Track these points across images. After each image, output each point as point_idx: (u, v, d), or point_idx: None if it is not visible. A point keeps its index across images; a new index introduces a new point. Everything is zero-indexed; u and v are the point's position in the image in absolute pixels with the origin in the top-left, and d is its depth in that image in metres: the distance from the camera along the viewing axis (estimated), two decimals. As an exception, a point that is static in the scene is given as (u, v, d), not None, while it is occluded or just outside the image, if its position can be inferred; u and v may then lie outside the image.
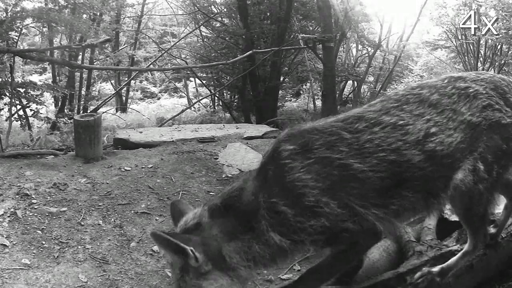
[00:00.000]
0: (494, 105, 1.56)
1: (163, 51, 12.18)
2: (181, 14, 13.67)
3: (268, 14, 10.42)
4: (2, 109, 7.03)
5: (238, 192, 1.50)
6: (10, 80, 6.12)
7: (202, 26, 11.74)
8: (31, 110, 6.96)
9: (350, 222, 1.42)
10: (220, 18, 11.30)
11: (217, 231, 1.46)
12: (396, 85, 14.49)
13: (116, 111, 12.59)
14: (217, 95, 11.92)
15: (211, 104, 13.17)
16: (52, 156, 4.63)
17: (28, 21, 7.34)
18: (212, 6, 11.30)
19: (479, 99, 1.57)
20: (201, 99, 12.79)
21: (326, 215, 1.40)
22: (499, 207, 2.28)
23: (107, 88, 15.50)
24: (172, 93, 17.86)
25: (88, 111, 9.77)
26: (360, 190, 1.43)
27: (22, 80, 7.56)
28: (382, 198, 1.46)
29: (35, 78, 12.04)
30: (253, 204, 1.46)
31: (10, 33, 6.52)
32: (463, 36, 11.21)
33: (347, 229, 1.43)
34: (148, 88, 18.28)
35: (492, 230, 2.00)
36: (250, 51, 8.23)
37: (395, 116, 1.53)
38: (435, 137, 1.50)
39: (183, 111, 10.48)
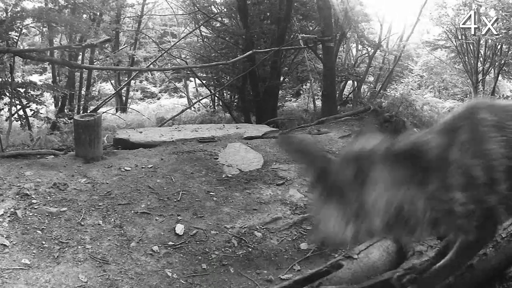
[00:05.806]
0: None
1: (163, 51, 12.17)
2: (181, 14, 13.67)
3: (268, 14, 10.41)
4: (2, 109, 7.03)
5: (427, 144, 1.46)
6: (10, 80, 6.12)
7: (202, 26, 11.74)
8: (31, 110, 6.98)
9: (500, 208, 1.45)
10: (220, 18, 11.29)
11: (391, 175, 1.43)
12: (396, 85, 14.48)
13: (116, 111, 12.59)
14: (217, 95, 11.91)
15: (211, 104, 13.16)
16: (52, 156, 4.63)
17: (28, 21, 7.33)
18: (212, 6, 11.29)
19: None
20: (201, 99, 12.77)
21: (499, 194, 1.43)
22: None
23: (107, 88, 15.50)
24: (172, 93, 17.87)
25: (88, 111, 9.78)
26: None
27: (22, 80, 7.57)
28: None
29: (35, 78, 12.04)
30: (443, 159, 1.44)
31: (10, 33, 6.52)
32: (463, 36, 11.21)
33: (495, 215, 1.45)
34: (148, 88, 18.29)
35: None
36: (250, 51, 8.22)
37: None
38: None
39: (183, 111, 10.46)
